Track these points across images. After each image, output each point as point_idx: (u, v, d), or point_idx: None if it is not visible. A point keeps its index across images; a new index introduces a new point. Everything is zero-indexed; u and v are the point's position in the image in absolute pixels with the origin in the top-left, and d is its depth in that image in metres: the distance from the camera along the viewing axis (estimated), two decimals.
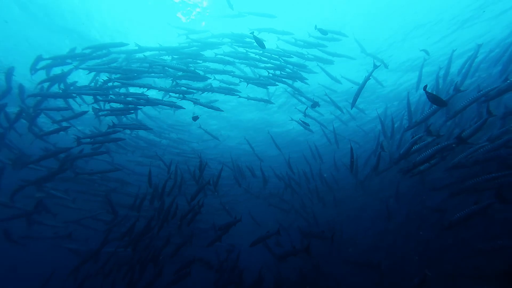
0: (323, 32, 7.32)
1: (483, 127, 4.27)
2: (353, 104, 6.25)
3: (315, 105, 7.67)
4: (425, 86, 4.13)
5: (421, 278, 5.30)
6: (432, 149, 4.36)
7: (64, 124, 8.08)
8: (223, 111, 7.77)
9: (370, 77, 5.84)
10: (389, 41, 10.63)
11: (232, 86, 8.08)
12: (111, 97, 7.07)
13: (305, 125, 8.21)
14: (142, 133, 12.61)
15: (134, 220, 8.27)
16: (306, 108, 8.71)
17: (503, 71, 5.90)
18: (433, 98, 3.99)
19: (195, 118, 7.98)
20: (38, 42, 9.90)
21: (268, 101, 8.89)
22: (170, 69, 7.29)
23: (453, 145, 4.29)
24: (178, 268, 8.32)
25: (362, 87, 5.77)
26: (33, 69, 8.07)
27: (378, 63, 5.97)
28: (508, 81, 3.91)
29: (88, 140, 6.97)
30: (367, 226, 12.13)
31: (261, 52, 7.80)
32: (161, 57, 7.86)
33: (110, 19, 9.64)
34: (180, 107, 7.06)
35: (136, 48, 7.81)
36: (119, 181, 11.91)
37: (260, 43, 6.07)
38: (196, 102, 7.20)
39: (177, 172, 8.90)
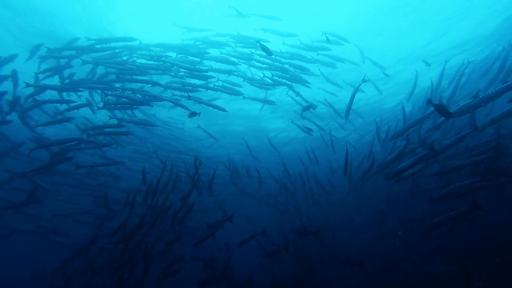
0: (327, 39, 7.79)
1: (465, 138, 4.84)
2: (346, 117, 6.72)
3: (307, 108, 8.09)
4: (429, 100, 4.48)
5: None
6: (412, 158, 4.91)
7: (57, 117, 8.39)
8: (227, 111, 7.92)
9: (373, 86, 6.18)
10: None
11: (235, 87, 8.39)
12: (119, 92, 7.31)
13: (308, 130, 8.62)
14: (134, 129, 12.94)
15: (126, 217, 8.66)
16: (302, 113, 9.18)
17: (490, 82, 6.50)
18: (440, 109, 4.35)
19: (192, 115, 8.25)
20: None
21: (269, 102, 9.30)
22: (174, 67, 7.57)
23: (430, 154, 4.85)
24: (167, 265, 8.80)
25: (352, 100, 6.26)
26: (31, 57, 8.26)
27: (366, 79, 6.47)
28: (478, 98, 4.46)
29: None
30: (360, 230, 12.79)
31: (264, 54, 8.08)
32: (166, 54, 8.07)
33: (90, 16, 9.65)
34: (186, 108, 7.23)
35: (141, 45, 8.06)
36: (111, 175, 12.26)
37: (267, 51, 6.26)
38: (200, 102, 7.45)
39: (170, 169, 9.30)
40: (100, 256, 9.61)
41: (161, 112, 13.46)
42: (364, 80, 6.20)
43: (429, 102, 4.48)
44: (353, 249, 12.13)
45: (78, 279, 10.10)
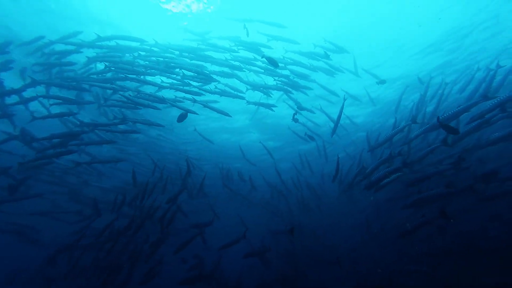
0: (326, 52, 8.49)
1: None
2: (333, 133, 7.41)
3: (297, 114, 8.79)
4: (438, 118, 5.07)
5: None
6: (384, 170, 5.75)
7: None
8: (231, 116, 8.38)
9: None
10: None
11: (236, 92, 8.92)
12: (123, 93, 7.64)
13: (310, 138, 9.25)
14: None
15: (113, 218, 9.17)
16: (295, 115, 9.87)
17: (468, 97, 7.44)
18: (446, 127, 4.89)
19: (182, 117, 8.68)
20: None
21: (270, 106, 9.89)
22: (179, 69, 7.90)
23: (402, 167, 5.69)
24: (149, 268, 9.43)
25: (340, 115, 6.99)
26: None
27: (346, 96, 7.20)
28: (443, 117, 5.28)
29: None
30: (349, 234, 13.78)
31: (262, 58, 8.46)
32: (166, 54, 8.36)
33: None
34: (194, 113, 7.55)
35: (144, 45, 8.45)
36: (95, 173, 12.66)
37: (273, 63, 6.53)
38: (205, 105, 7.84)
39: (159, 170, 9.85)
40: (84, 257, 10.10)
41: (150, 112, 13.92)
42: (345, 99, 7.04)
43: (438, 119, 4.97)
44: (344, 251, 13.07)
45: (62, 281, 10.54)
